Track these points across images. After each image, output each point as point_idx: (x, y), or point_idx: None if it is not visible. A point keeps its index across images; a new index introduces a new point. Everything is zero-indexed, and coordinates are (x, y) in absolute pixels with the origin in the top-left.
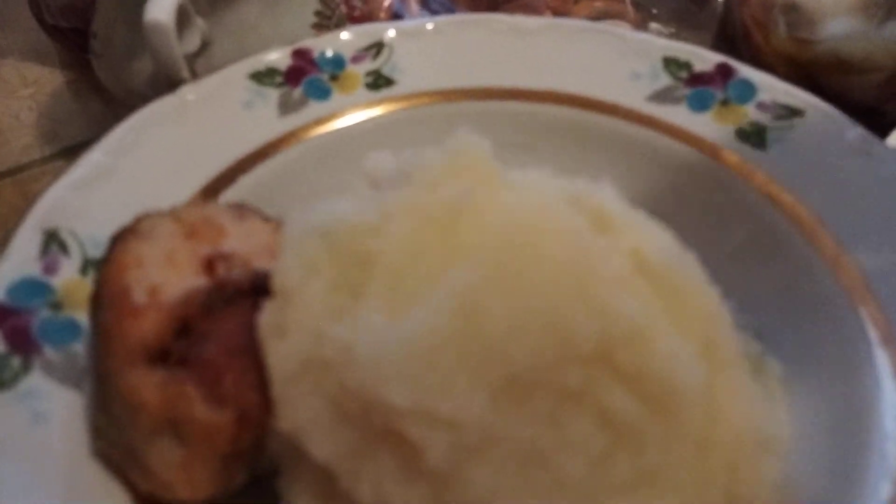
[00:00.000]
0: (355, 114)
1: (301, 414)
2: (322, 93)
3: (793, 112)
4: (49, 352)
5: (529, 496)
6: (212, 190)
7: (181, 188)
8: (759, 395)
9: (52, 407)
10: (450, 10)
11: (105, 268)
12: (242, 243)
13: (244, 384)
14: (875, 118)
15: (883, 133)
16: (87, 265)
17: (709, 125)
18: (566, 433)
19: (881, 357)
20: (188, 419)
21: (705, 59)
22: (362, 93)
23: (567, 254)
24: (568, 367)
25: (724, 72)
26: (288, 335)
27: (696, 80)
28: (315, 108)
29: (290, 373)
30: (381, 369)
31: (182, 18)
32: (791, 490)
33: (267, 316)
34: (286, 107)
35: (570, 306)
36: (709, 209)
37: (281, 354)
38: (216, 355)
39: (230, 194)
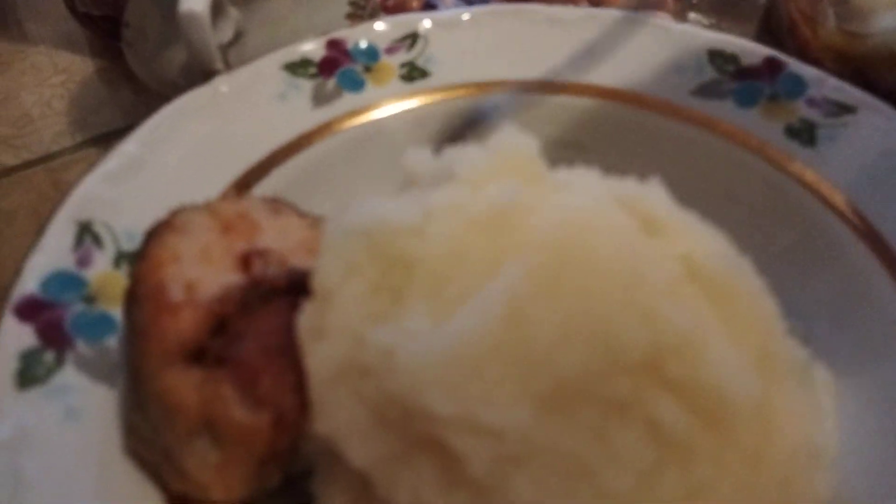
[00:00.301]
0: (389, 106)
1: (339, 418)
2: (356, 84)
3: (844, 109)
4: (82, 346)
5: None
6: (245, 183)
7: (215, 181)
8: (810, 406)
9: (85, 403)
10: (484, 1)
11: (140, 263)
12: (278, 239)
13: (281, 386)
14: None
15: None
16: (120, 258)
17: (756, 121)
18: (613, 445)
19: None
20: (225, 421)
21: (753, 52)
22: (396, 84)
23: (616, 259)
24: (616, 377)
25: (772, 66)
26: (327, 337)
27: (744, 74)
28: (349, 99)
29: (328, 376)
30: (423, 376)
31: (216, 9)
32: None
33: (306, 317)
34: (320, 98)
35: (618, 314)
36: (757, 210)
37: (320, 357)
38: (253, 355)
39: (264, 187)
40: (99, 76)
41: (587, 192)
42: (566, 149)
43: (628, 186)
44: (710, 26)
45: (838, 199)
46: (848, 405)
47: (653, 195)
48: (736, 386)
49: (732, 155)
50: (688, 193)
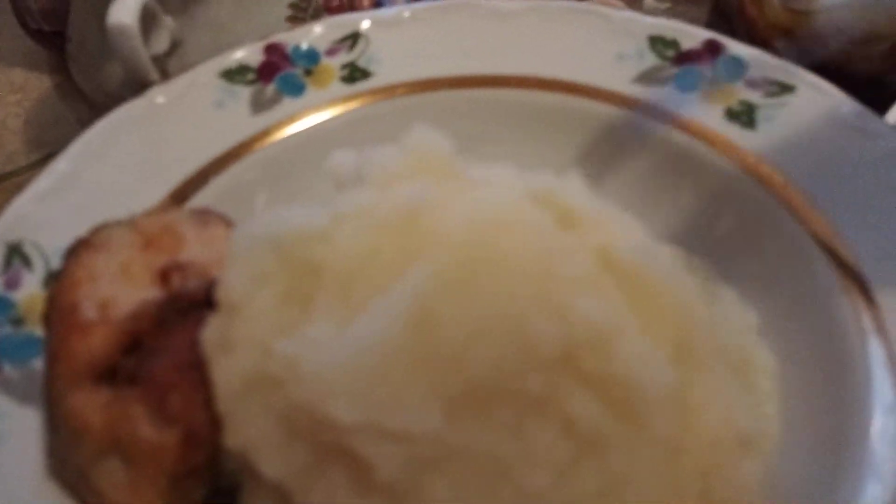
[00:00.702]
0: (330, 109)
1: (249, 432)
2: (296, 88)
3: (784, 88)
4: (8, 369)
5: None
6: (182, 194)
7: (150, 194)
8: (744, 393)
9: (10, 426)
10: None
11: (57, 283)
12: (202, 252)
13: (192, 402)
14: (879, 89)
15: (887, 103)
16: (50, 278)
17: (697, 105)
18: (529, 443)
19: (874, 346)
20: (133, 440)
21: (693, 36)
22: (338, 86)
23: (528, 254)
24: (529, 374)
25: (712, 49)
26: (234, 350)
27: (684, 58)
28: (289, 104)
29: (236, 390)
30: (326, 385)
31: (148, 19)
32: (777, 490)
33: (212, 330)
34: (259, 105)
35: (530, 310)
36: (700, 194)
37: (226, 371)
38: (164, 372)
39: (202, 197)
40: (56, 92)
41: (501, 188)
42: (498, 141)
43: (544, 180)
44: (666, 11)
45: (777, 180)
46: (790, 389)
47: (569, 188)
48: (650, 377)
49: (674, 141)
50: (631, 181)
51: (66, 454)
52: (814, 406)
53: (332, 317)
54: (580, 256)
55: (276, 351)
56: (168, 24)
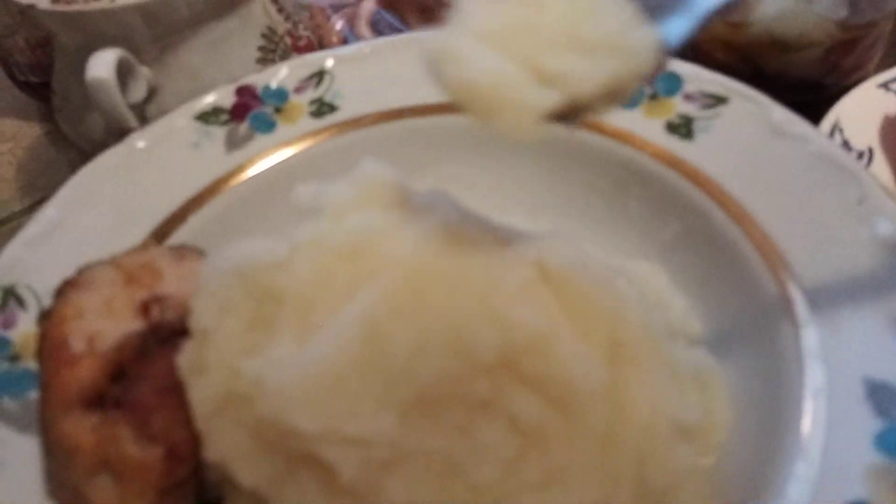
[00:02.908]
0: (300, 143)
1: (225, 445)
2: (267, 125)
3: (718, 100)
4: (7, 402)
5: (446, 502)
6: (163, 232)
7: (133, 234)
8: (676, 384)
9: (10, 454)
10: (399, 30)
11: (47, 321)
12: (179, 284)
13: (173, 421)
14: (818, 92)
15: (827, 106)
16: (44, 316)
17: (639, 120)
18: (478, 441)
19: (809, 335)
20: (120, 458)
21: None
22: (307, 121)
23: (470, 271)
24: (475, 378)
25: None
26: (207, 373)
27: None
28: (261, 141)
29: (211, 408)
30: (288, 398)
31: (125, 70)
32: (719, 475)
33: (187, 356)
34: (233, 143)
35: (472, 321)
36: (647, 203)
37: (201, 391)
38: (147, 396)
39: (182, 234)
40: (46, 139)
41: (445, 212)
42: (463, 164)
43: (487, 206)
44: None
45: (713, 188)
46: (734, 381)
47: (511, 209)
48: (584, 375)
49: (620, 154)
50: (581, 191)
51: (61, 475)
52: (756, 396)
53: (292, 337)
54: (518, 269)
55: (243, 371)
56: (144, 74)
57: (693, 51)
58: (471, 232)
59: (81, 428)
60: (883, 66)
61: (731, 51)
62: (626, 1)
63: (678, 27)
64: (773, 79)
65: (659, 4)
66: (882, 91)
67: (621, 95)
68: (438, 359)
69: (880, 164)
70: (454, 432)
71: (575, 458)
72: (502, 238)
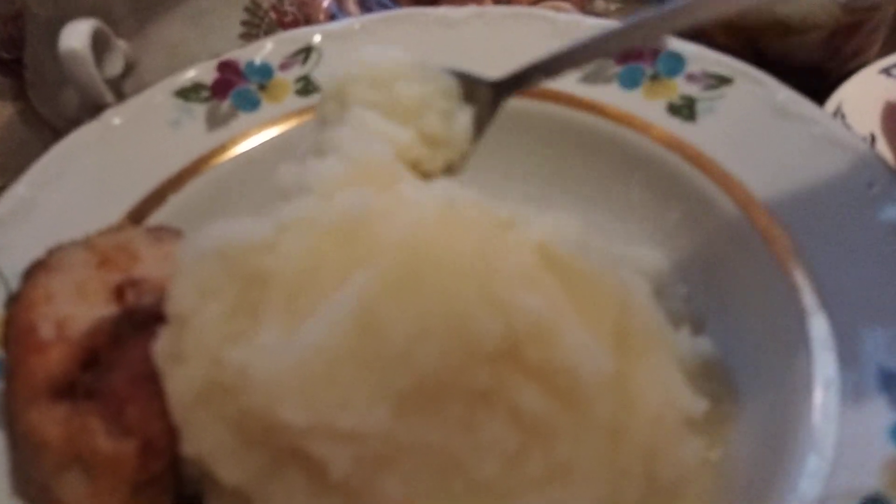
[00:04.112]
0: (286, 122)
1: (205, 439)
2: (251, 104)
3: (722, 80)
4: None
5: (445, 500)
6: (140, 213)
7: (108, 214)
8: (695, 374)
9: None
10: (387, 7)
11: (14, 305)
12: (157, 268)
13: (148, 412)
14: (820, 76)
15: (828, 91)
16: (11, 300)
17: (640, 102)
18: (478, 435)
19: (817, 324)
20: (92, 452)
21: None
22: (293, 100)
23: (470, 254)
24: (475, 368)
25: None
26: (185, 362)
27: (626, 56)
28: (244, 119)
29: (190, 399)
30: (275, 390)
31: (101, 43)
32: (728, 467)
33: (163, 343)
34: (214, 121)
35: (473, 307)
36: (649, 186)
37: (179, 381)
38: (121, 385)
39: (160, 215)
40: (19, 118)
41: (442, 193)
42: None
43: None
44: (617, 12)
45: (717, 171)
46: (739, 371)
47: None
48: (590, 365)
49: (620, 137)
50: (582, 176)
51: (28, 469)
52: (763, 387)
53: (279, 324)
54: (521, 254)
55: (225, 359)
56: (121, 47)
57: (695, 32)
58: (470, 213)
59: (50, 419)
60: (884, 51)
61: (732, 33)
62: None
63: None
64: (775, 63)
65: None
66: (884, 77)
67: None
68: (436, 347)
69: (882, 150)
70: (453, 425)
71: (580, 452)
72: (503, 220)
